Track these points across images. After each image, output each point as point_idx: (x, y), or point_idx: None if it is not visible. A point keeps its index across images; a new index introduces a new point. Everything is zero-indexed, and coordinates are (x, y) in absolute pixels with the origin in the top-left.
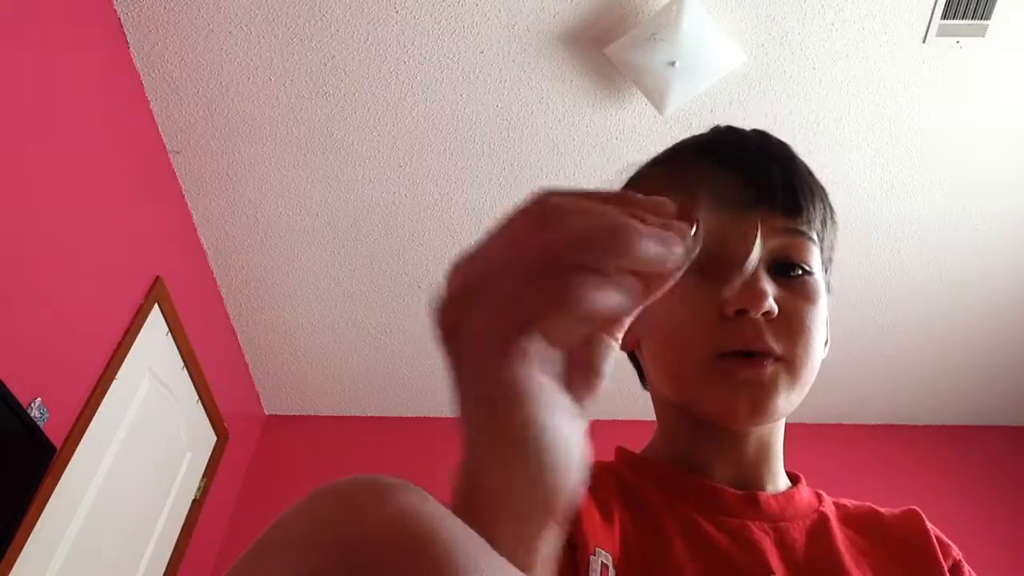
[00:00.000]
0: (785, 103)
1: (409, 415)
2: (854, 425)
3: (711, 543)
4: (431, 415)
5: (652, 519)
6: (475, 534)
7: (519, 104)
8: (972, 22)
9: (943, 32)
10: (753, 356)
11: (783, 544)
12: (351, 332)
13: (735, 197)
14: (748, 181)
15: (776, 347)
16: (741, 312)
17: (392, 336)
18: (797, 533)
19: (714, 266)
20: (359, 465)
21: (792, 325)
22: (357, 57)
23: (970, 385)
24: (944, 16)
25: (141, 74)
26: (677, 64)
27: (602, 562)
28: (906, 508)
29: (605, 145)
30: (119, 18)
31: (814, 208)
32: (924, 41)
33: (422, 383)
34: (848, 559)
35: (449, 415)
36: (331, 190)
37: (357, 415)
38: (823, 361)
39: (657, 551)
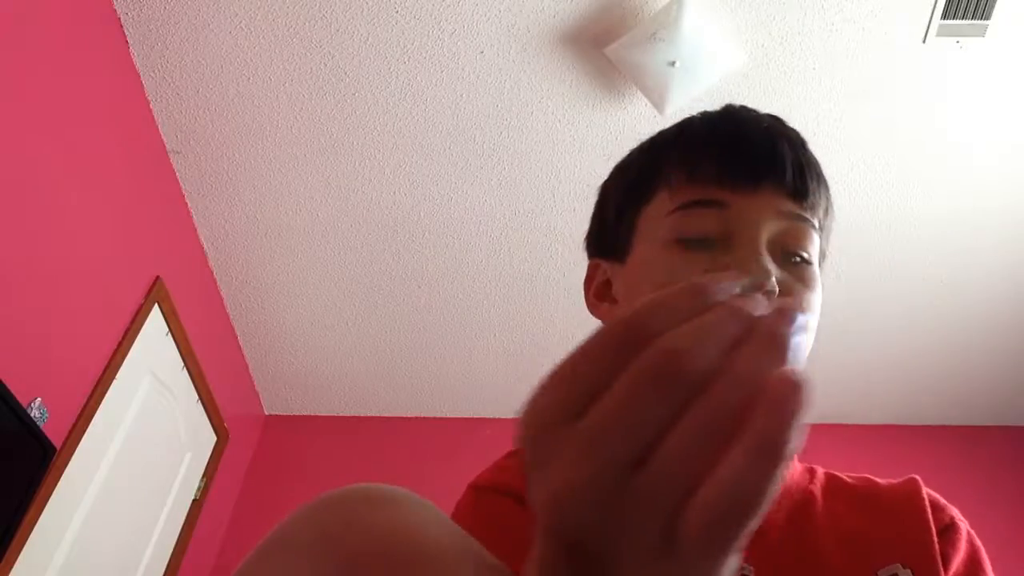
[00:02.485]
0: (785, 103)
1: (409, 415)
2: (854, 425)
3: None
4: (431, 415)
5: None
6: (469, 538)
7: (519, 104)
8: (972, 22)
9: (943, 32)
10: None
11: (759, 531)
12: (351, 332)
13: (742, 173)
14: (757, 157)
15: None
16: None
17: (392, 336)
18: (776, 517)
19: (713, 241)
20: (359, 465)
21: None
22: (357, 57)
23: (970, 385)
24: (944, 16)
25: (141, 74)
26: (677, 64)
27: None
28: (906, 477)
29: (605, 145)
30: (119, 18)
31: (820, 195)
32: (924, 41)
33: (422, 383)
34: (829, 538)
35: (448, 415)
36: (331, 190)
37: (357, 415)
38: (822, 359)
39: None
